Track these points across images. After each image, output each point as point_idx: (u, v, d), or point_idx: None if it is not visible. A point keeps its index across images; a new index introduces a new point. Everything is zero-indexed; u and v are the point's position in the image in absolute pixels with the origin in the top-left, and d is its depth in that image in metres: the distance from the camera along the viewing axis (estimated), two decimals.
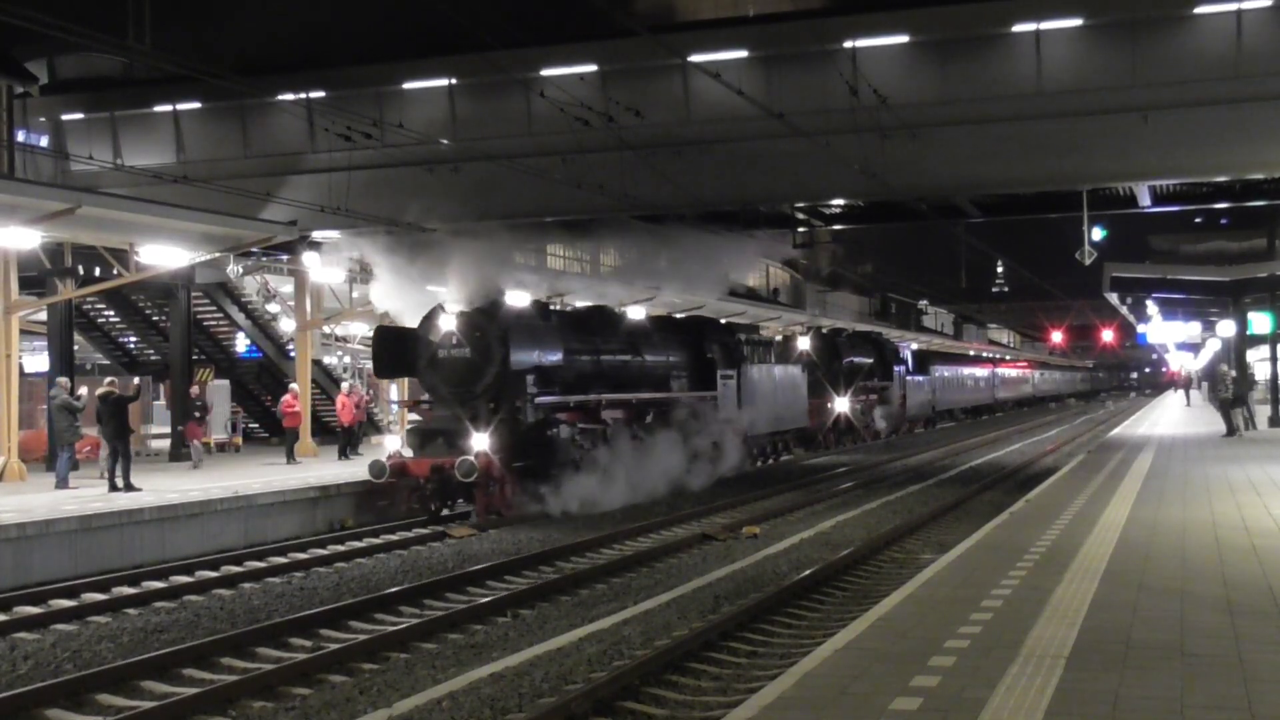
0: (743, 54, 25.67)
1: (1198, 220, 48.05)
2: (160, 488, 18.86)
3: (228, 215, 23.27)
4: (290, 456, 25.28)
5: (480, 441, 19.00)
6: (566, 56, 26.38)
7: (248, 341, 32.89)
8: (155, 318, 31.73)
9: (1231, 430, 29.92)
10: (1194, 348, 66.36)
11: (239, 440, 31.15)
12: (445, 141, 24.94)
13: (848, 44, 24.95)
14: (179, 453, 25.63)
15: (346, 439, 26.38)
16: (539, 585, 13.42)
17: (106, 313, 32.02)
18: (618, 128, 23.54)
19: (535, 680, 9.05)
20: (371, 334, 23.50)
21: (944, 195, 29.77)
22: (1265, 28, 23.21)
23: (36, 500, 17.22)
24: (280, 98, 27.24)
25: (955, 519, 19.28)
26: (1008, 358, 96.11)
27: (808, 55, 25.02)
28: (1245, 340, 38.50)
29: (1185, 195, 30.14)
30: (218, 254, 24.83)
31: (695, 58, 23.59)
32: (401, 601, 12.84)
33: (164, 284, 27.57)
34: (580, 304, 29.98)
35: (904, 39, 25.31)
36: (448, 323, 19.86)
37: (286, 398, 26.55)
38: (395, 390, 32.58)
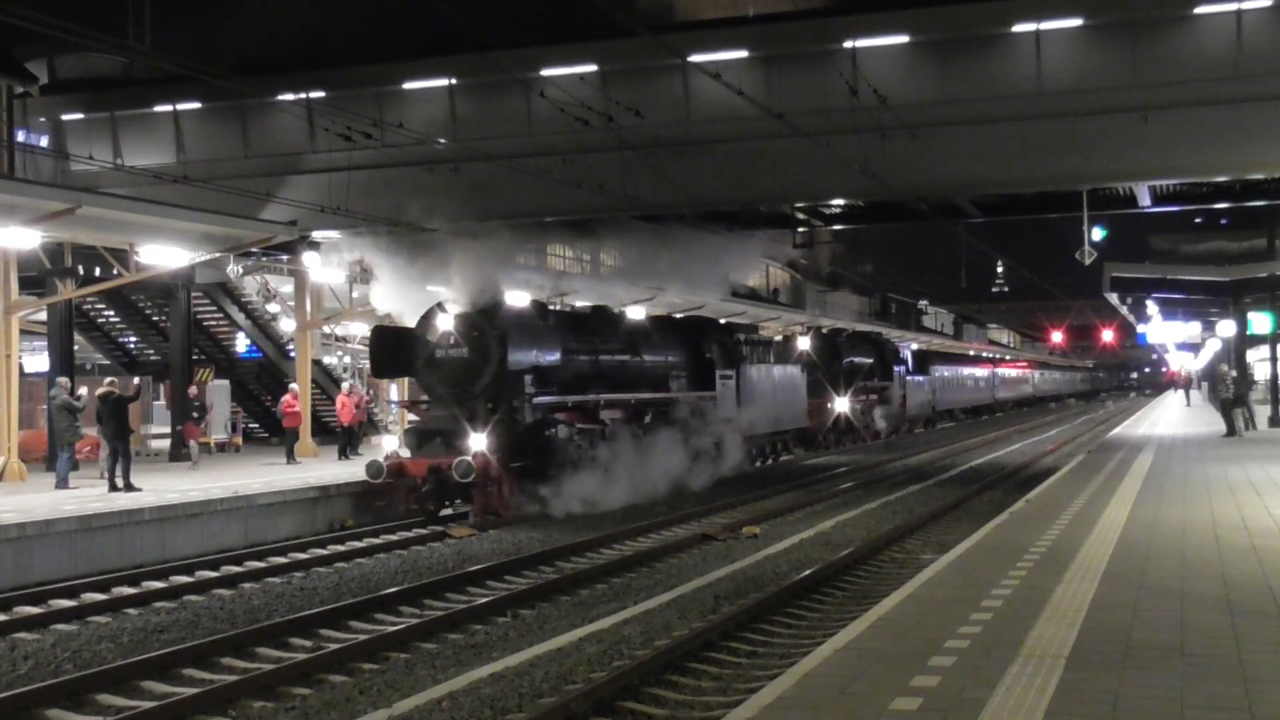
0: (743, 54, 25.67)
1: (1198, 220, 48.04)
2: (160, 488, 18.86)
3: (228, 215, 23.27)
4: (290, 456, 25.28)
5: (478, 442, 18.96)
6: (566, 56, 26.38)
7: (248, 341, 32.89)
8: (155, 318, 31.73)
9: (1232, 430, 29.93)
10: (1194, 348, 66.38)
11: (239, 440, 31.15)
12: (445, 142, 24.94)
13: (848, 44, 24.94)
14: (179, 453, 25.63)
15: (346, 439, 26.38)
16: (539, 585, 13.42)
17: (106, 313, 32.03)
18: (618, 128, 23.54)
19: (535, 680, 9.05)
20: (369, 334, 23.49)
21: (944, 195, 29.76)
22: (1265, 28, 23.21)
23: (36, 500, 17.22)
24: (280, 98, 27.24)
25: (955, 519, 19.28)
26: (1008, 358, 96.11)
27: (808, 55, 25.02)
28: (1245, 340, 38.50)
29: (1185, 195, 30.13)
30: (218, 254, 24.83)
31: (695, 58, 23.59)
32: (401, 601, 12.84)
33: (164, 284, 27.58)
34: (579, 304, 29.98)
35: (904, 39, 25.31)
36: (445, 322, 19.83)
37: (286, 398, 26.56)
38: (395, 390, 32.57)
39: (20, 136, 30.68)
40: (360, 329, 34.39)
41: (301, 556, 16.16)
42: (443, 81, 27.81)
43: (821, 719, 6.11)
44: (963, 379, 62.34)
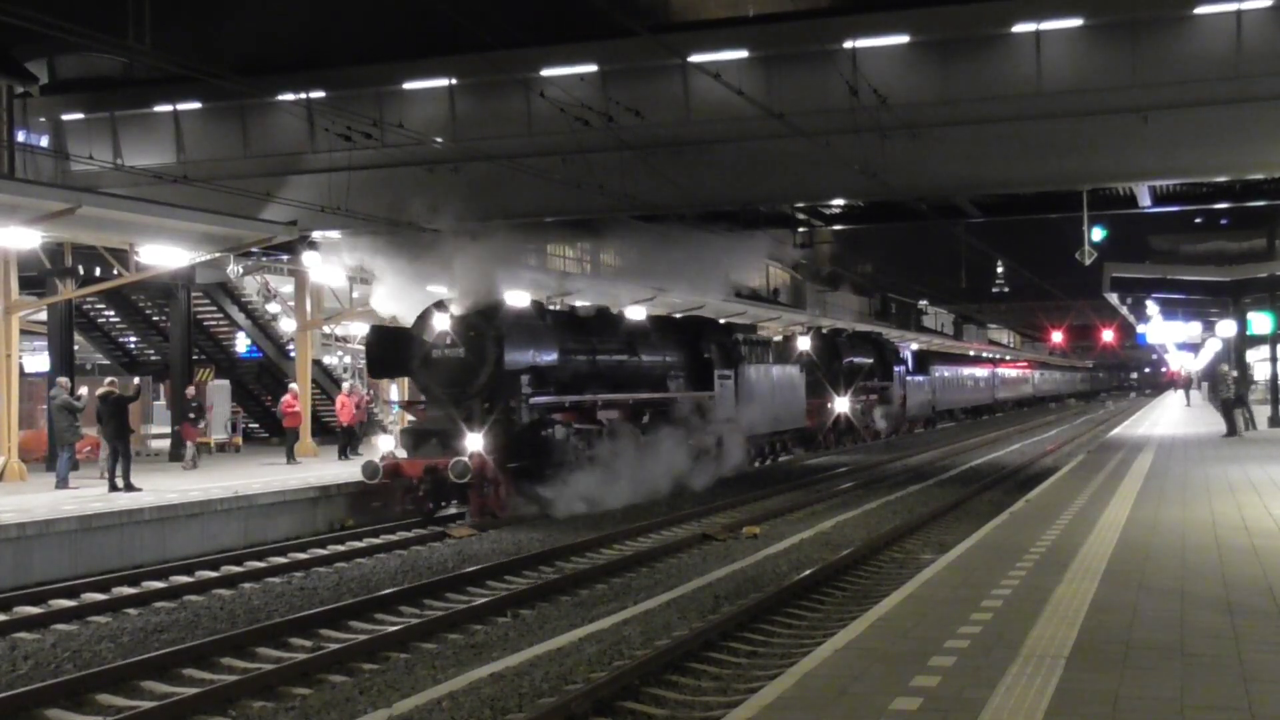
0: (743, 54, 25.67)
1: (1198, 220, 48.01)
2: (160, 488, 18.86)
3: (228, 215, 23.27)
4: (290, 456, 25.28)
5: (474, 442, 18.87)
6: (566, 56, 26.38)
7: (248, 341, 32.89)
8: (155, 318, 31.74)
9: (1232, 430, 29.93)
10: (1194, 348, 66.36)
11: (239, 440, 31.15)
12: (445, 142, 24.93)
13: (848, 44, 24.95)
14: (179, 453, 25.62)
15: (346, 439, 26.38)
16: (539, 585, 13.42)
17: (106, 313, 32.03)
18: (618, 128, 23.53)
19: (535, 680, 9.05)
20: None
21: (944, 195, 29.78)
22: (1265, 28, 23.21)
23: (36, 500, 17.22)
24: (280, 98, 27.24)
25: (955, 519, 19.28)
26: (1008, 358, 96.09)
27: (808, 55, 25.02)
28: (1245, 340, 38.50)
29: (1185, 195, 30.15)
30: (218, 254, 24.82)
31: (695, 58, 23.59)
32: (401, 601, 12.84)
33: (164, 284, 27.58)
34: (579, 304, 29.96)
35: (904, 39, 25.31)
36: (442, 322, 19.75)
37: (286, 398, 26.56)
38: (395, 390, 32.57)
39: (20, 136, 30.69)
40: (360, 329, 34.38)
41: (301, 556, 16.16)
42: (443, 81, 27.81)
43: (821, 719, 6.11)
44: (963, 379, 62.34)
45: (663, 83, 26.14)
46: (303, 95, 27.21)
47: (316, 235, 27.79)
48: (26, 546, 14.43)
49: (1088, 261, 28.79)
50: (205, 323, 32.01)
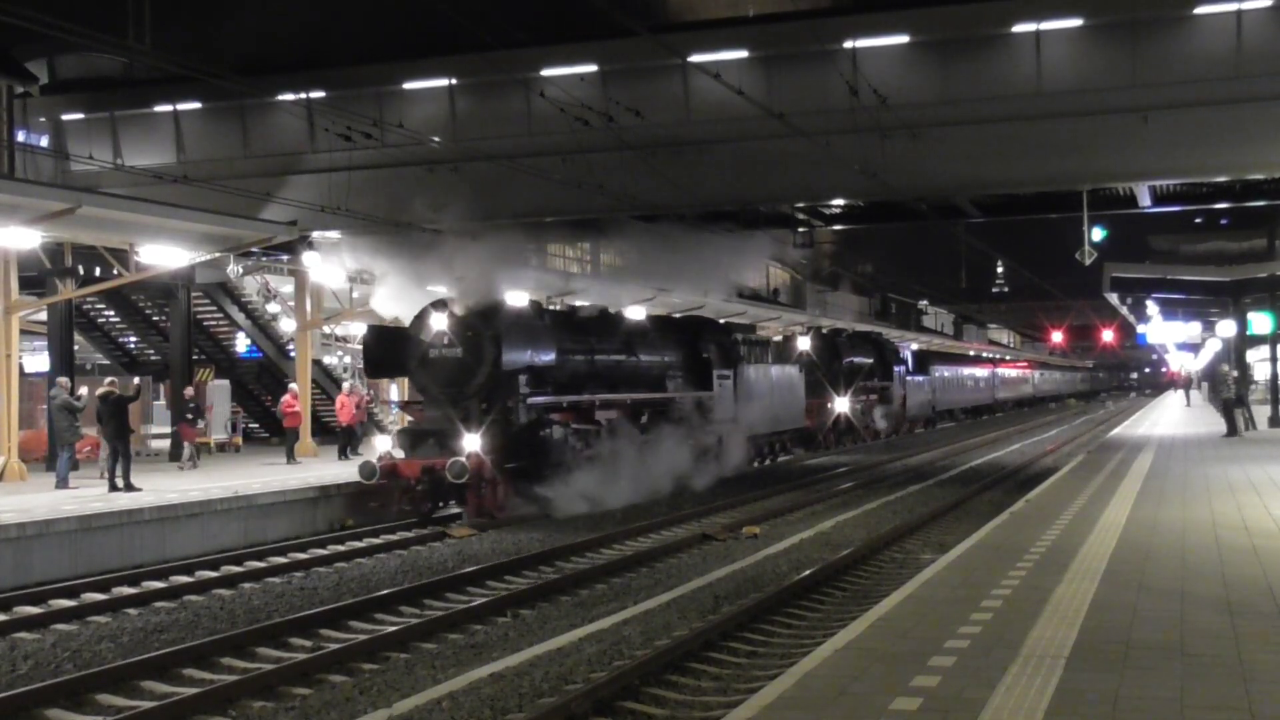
0: (743, 54, 25.65)
1: (1198, 220, 47.99)
2: (160, 488, 18.86)
3: (228, 215, 23.26)
4: (290, 456, 25.28)
5: (472, 442, 18.84)
6: (566, 56, 26.36)
7: (248, 341, 32.90)
8: (155, 318, 31.74)
9: (1233, 430, 29.93)
10: (1194, 348, 66.36)
11: (239, 440, 31.15)
12: (445, 142, 24.92)
13: (848, 44, 24.93)
14: (179, 453, 25.64)
15: (346, 439, 26.38)
16: (539, 585, 13.42)
17: (106, 313, 32.04)
18: (618, 128, 23.52)
19: (535, 680, 9.05)
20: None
21: (944, 195, 29.75)
22: (1265, 28, 23.20)
23: (36, 500, 17.22)
24: (280, 98, 27.23)
25: (955, 519, 19.28)
26: (1008, 358, 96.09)
27: (808, 55, 25.00)
28: (1245, 340, 38.49)
29: (1185, 195, 30.12)
30: (218, 254, 24.83)
31: (695, 58, 23.58)
32: (401, 601, 12.84)
33: (164, 284, 27.59)
34: (577, 303, 29.93)
35: (904, 39, 25.29)
36: (439, 322, 19.69)
37: (286, 398, 26.56)
38: (395, 390, 32.57)
39: (20, 136, 30.68)
40: (360, 329, 34.38)
41: (301, 556, 16.16)
42: (443, 81, 27.80)
43: (821, 719, 6.11)
44: (963, 379, 62.34)
45: (663, 83, 26.12)
46: (303, 95, 27.19)
47: (315, 235, 27.78)
48: (26, 546, 14.43)
49: (1088, 261, 28.77)
50: (205, 323, 32.01)
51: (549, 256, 44.48)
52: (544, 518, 19.52)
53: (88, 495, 17.91)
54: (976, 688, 6.49)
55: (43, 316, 25.62)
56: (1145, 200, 29.34)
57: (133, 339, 33.18)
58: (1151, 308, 50.36)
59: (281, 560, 15.95)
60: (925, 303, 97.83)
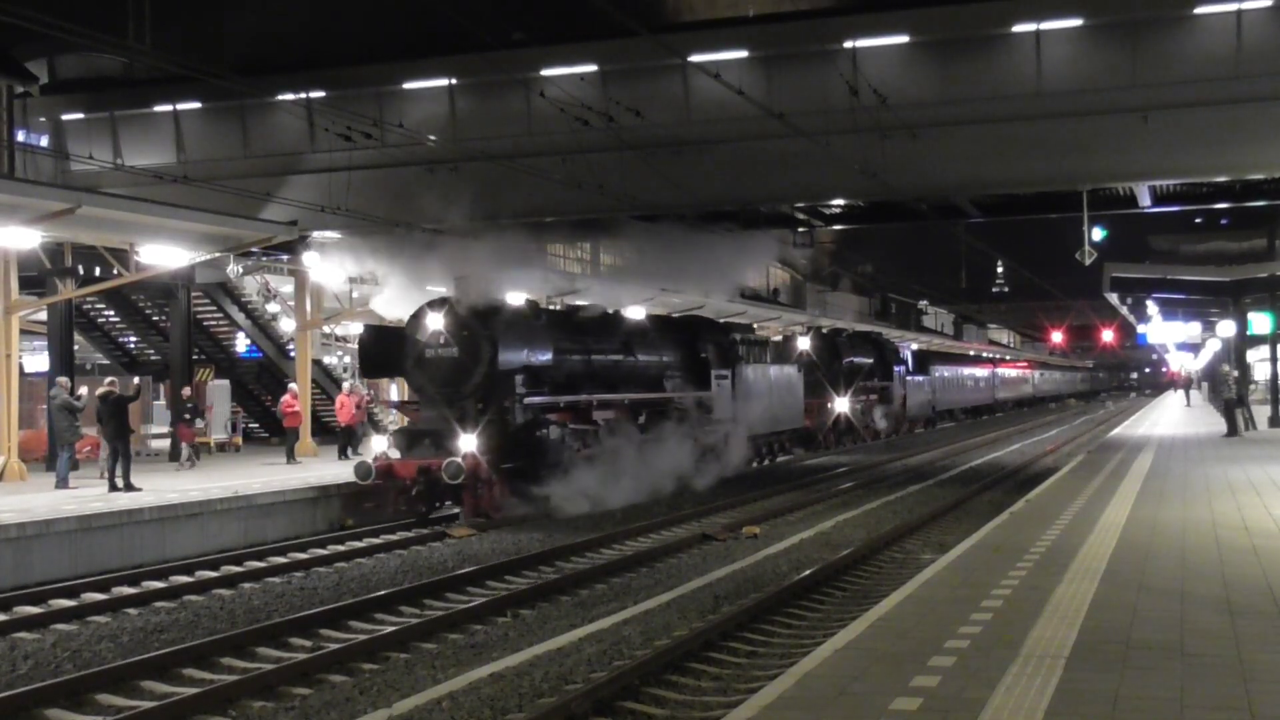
0: (743, 54, 25.65)
1: (1198, 220, 47.97)
2: (160, 488, 18.86)
3: (228, 215, 23.27)
4: (290, 456, 25.28)
5: (468, 443, 18.77)
6: (566, 56, 26.36)
7: (248, 341, 32.90)
8: (155, 318, 31.75)
9: (1234, 430, 29.92)
10: (1194, 348, 66.36)
11: (239, 440, 31.16)
12: (444, 142, 24.91)
13: (848, 44, 24.92)
14: (178, 453, 25.64)
15: (346, 439, 26.37)
16: (539, 585, 13.42)
17: (106, 313, 32.04)
18: (618, 128, 23.52)
19: (535, 680, 9.05)
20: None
21: (944, 195, 29.74)
22: (1265, 28, 23.19)
23: (36, 500, 17.22)
24: (280, 98, 27.23)
25: (955, 519, 19.28)
26: (1008, 358, 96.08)
27: (808, 55, 25.00)
28: (1245, 340, 38.48)
29: (1185, 195, 30.11)
30: (218, 254, 24.83)
31: (695, 58, 23.58)
32: (401, 601, 12.84)
33: (164, 284, 27.58)
34: (578, 303, 29.92)
35: (904, 39, 25.29)
36: (435, 322, 19.60)
37: (286, 398, 26.56)
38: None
39: (20, 136, 30.68)
40: (360, 329, 34.38)
41: (301, 556, 16.16)
42: (443, 81, 27.79)
43: (821, 719, 6.11)
44: (963, 379, 62.33)
45: (663, 83, 26.12)
46: (303, 95, 27.19)
47: (316, 236, 27.78)
48: (26, 546, 14.43)
49: (1088, 261, 28.76)
50: (205, 323, 32.02)
51: (549, 257, 44.45)
52: (544, 518, 19.50)
53: (88, 495, 17.91)
54: (976, 688, 6.49)
55: (43, 316, 25.62)
56: (1145, 200, 29.33)
57: (133, 339, 33.19)
58: (1151, 308, 50.35)
59: (281, 560, 15.95)
60: (925, 303, 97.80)
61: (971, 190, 28.86)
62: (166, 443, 27.63)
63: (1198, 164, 24.84)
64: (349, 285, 31.56)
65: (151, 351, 32.68)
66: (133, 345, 33.30)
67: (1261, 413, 34.47)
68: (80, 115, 31.09)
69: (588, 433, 21.66)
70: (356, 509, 19.34)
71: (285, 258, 29.32)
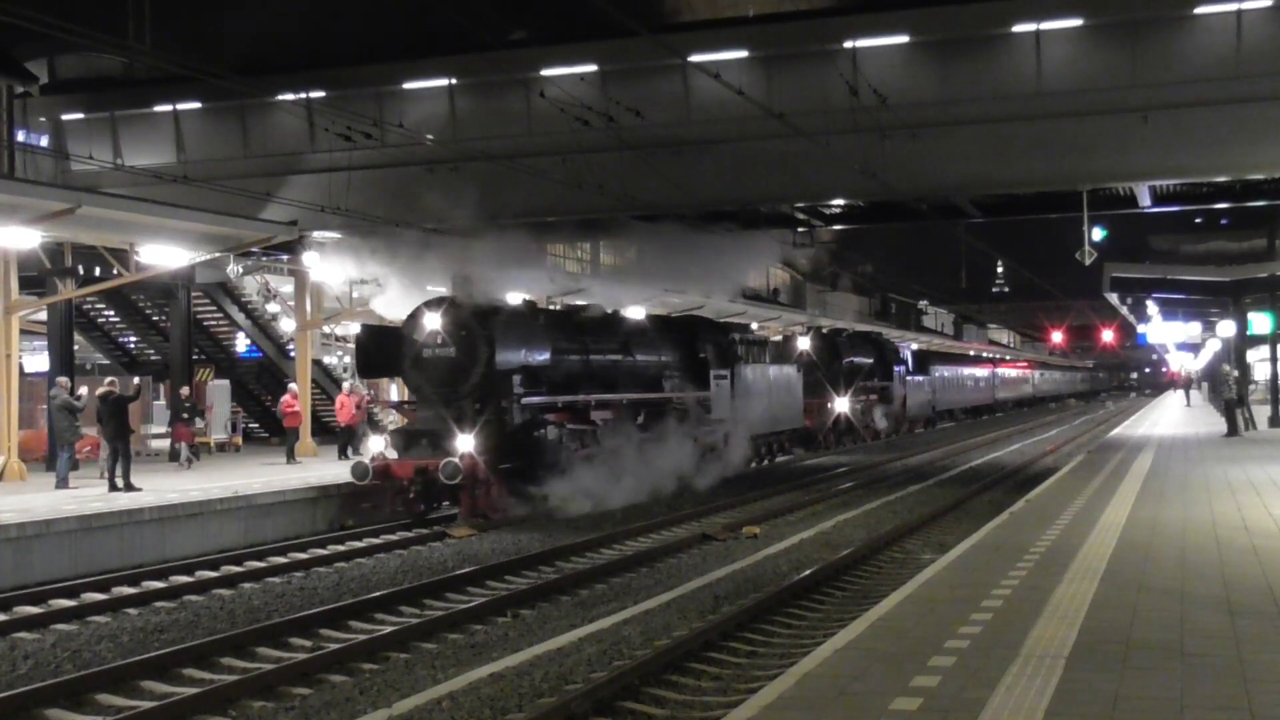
0: (743, 54, 25.64)
1: (1198, 220, 47.95)
2: (160, 487, 18.86)
3: (228, 215, 23.27)
4: (290, 456, 25.27)
5: (465, 443, 18.70)
6: (566, 56, 26.35)
7: (248, 341, 32.90)
8: (155, 318, 31.75)
9: (1234, 430, 29.92)
10: (1194, 348, 66.36)
11: (239, 440, 31.15)
12: (444, 141, 24.91)
13: (848, 44, 24.92)
14: (178, 453, 25.63)
15: (346, 439, 26.35)
16: (539, 585, 13.42)
17: (106, 313, 32.04)
18: (618, 128, 23.52)
19: (535, 680, 9.05)
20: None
21: (944, 195, 29.72)
22: (1265, 28, 23.19)
23: (36, 500, 17.22)
24: (280, 98, 27.23)
25: (955, 519, 19.28)
26: (1008, 358, 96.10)
27: (808, 55, 24.99)
28: (1245, 340, 38.47)
29: (1185, 195, 30.10)
30: (218, 254, 24.83)
31: (695, 58, 23.57)
32: (401, 601, 12.84)
33: (164, 284, 27.59)
34: (574, 302, 29.91)
35: (904, 39, 25.29)
36: (433, 321, 19.53)
37: (286, 398, 26.55)
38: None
39: (20, 136, 30.69)
40: (359, 329, 34.36)
41: (301, 556, 16.16)
42: (443, 81, 27.79)
43: (821, 719, 6.11)
44: (963, 379, 62.33)
45: (663, 83, 26.11)
46: (303, 95, 27.19)
47: (316, 236, 27.77)
48: (26, 546, 14.43)
49: (1088, 261, 28.75)
50: (205, 323, 32.02)
51: (550, 257, 44.44)
52: (544, 518, 19.48)
53: (88, 495, 17.91)
54: (976, 688, 6.48)
55: (43, 316, 25.61)
56: (1145, 200, 29.32)
57: (133, 339, 33.18)
58: (1151, 308, 50.34)
59: (281, 560, 15.95)
60: (925, 303, 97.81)
61: (971, 190, 28.85)
62: (167, 443, 27.63)
63: (1198, 164, 24.84)
64: (349, 286, 31.57)
65: (151, 351, 32.68)
66: (133, 345, 33.30)
67: (1261, 413, 34.47)
68: (80, 115, 31.09)
69: (586, 433, 21.62)
70: (355, 509, 19.30)
71: (285, 258, 29.32)
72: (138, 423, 25.41)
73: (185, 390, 25.37)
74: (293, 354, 30.27)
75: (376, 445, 20.32)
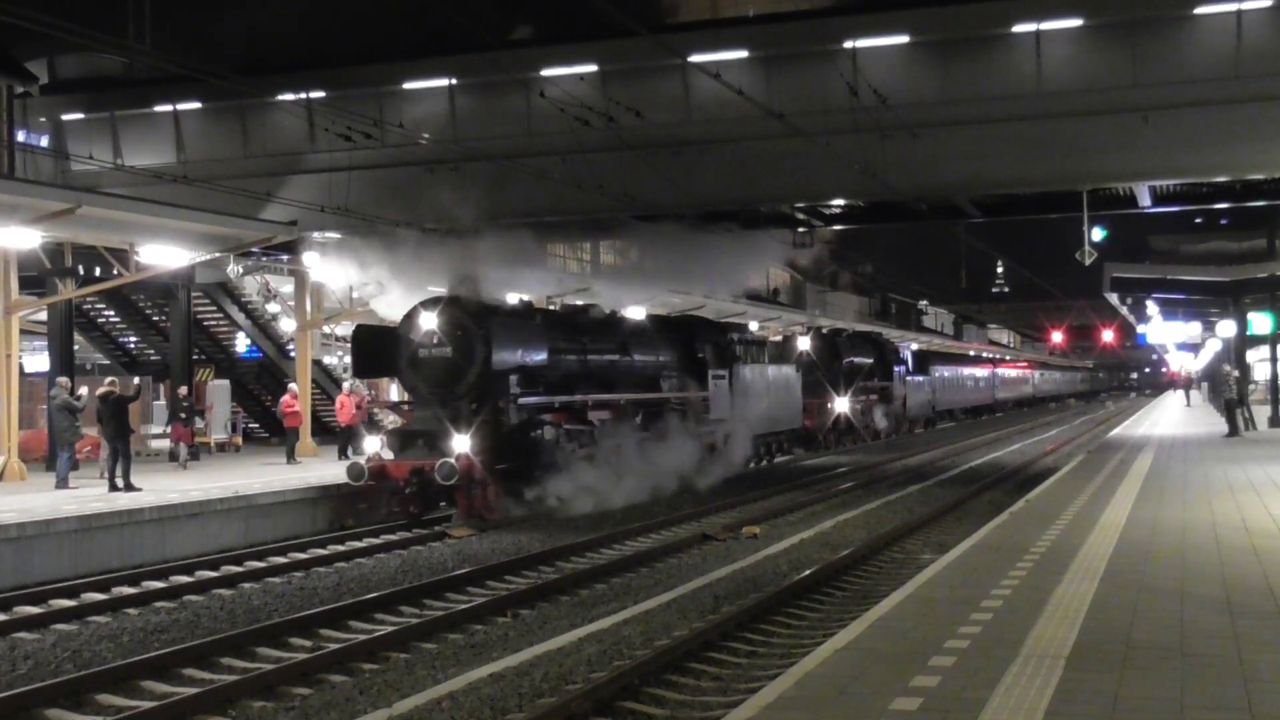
0: (743, 54, 25.66)
1: (1198, 220, 47.95)
2: (160, 488, 18.86)
3: (228, 215, 23.28)
4: (290, 456, 25.27)
5: (461, 443, 18.60)
6: (566, 56, 26.37)
7: (248, 341, 32.89)
8: (155, 318, 31.75)
9: (1234, 430, 29.92)
10: (1194, 348, 66.36)
11: (239, 440, 31.15)
12: (445, 141, 24.91)
13: (848, 44, 24.94)
14: (177, 453, 25.63)
15: (346, 439, 26.34)
16: (539, 585, 13.41)
17: (106, 313, 32.04)
18: (618, 128, 23.53)
19: (535, 680, 9.05)
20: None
21: (944, 195, 29.73)
22: (1265, 28, 23.21)
23: (36, 500, 17.22)
24: (280, 98, 27.23)
25: (955, 519, 19.27)
26: (1008, 358, 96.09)
27: (808, 55, 25.01)
28: (1245, 340, 38.48)
29: (1185, 195, 30.11)
30: (218, 254, 24.84)
31: (695, 58, 23.58)
32: (401, 601, 12.84)
33: (164, 284, 27.58)
34: (572, 302, 29.91)
35: (904, 39, 25.30)
36: (429, 321, 19.42)
37: (286, 398, 26.54)
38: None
39: (20, 136, 30.69)
40: None
41: (301, 556, 16.15)
42: (443, 81, 27.80)
43: (821, 719, 6.11)
44: (963, 379, 62.33)
45: (663, 83, 26.13)
46: (303, 95, 27.21)
47: (315, 236, 27.78)
48: (26, 546, 14.43)
49: (1088, 261, 28.76)
50: (205, 323, 32.02)
51: (551, 258, 44.43)
52: (543, 518, 19.46)
53: (88, 495, 17.91)
54: (976, 688, 6.48)
55: (43, 316, 25.62)
56: (1145, 200, 29.33)
57: (133, 339, 33.18)
58: (1151, 308, 50.35)
59: (281, 560, 15.95)
60: (925, 303, 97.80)
61: (971, 190, 28.86)
62: (167, 443, 27.63)
63: (1198, 164, 24.85)
64: (349, 286, 31.55)
65: (151, 351, 32.68)
66: (133, 345, 33.30)
67: (1261, 413, 34.47)
68: (80, 115, 31.11)
69: (583, 433, 21.58)
70: (352, 510, 19.28)
71: (285, 258, 29.31)
72: (138, 423, 25.41)
73: (183, 390, 25.35)
74: (293, 354, 30.27)
75: (372, 446, 20.26)
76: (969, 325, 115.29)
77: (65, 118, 31.30)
